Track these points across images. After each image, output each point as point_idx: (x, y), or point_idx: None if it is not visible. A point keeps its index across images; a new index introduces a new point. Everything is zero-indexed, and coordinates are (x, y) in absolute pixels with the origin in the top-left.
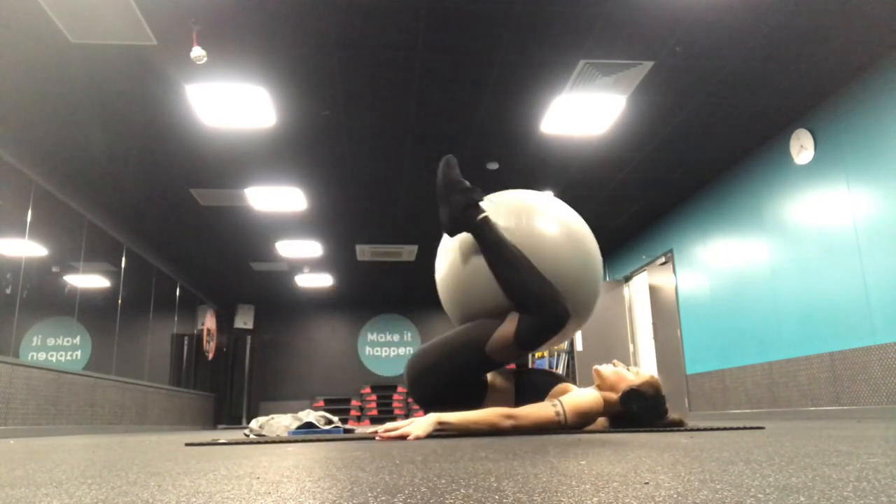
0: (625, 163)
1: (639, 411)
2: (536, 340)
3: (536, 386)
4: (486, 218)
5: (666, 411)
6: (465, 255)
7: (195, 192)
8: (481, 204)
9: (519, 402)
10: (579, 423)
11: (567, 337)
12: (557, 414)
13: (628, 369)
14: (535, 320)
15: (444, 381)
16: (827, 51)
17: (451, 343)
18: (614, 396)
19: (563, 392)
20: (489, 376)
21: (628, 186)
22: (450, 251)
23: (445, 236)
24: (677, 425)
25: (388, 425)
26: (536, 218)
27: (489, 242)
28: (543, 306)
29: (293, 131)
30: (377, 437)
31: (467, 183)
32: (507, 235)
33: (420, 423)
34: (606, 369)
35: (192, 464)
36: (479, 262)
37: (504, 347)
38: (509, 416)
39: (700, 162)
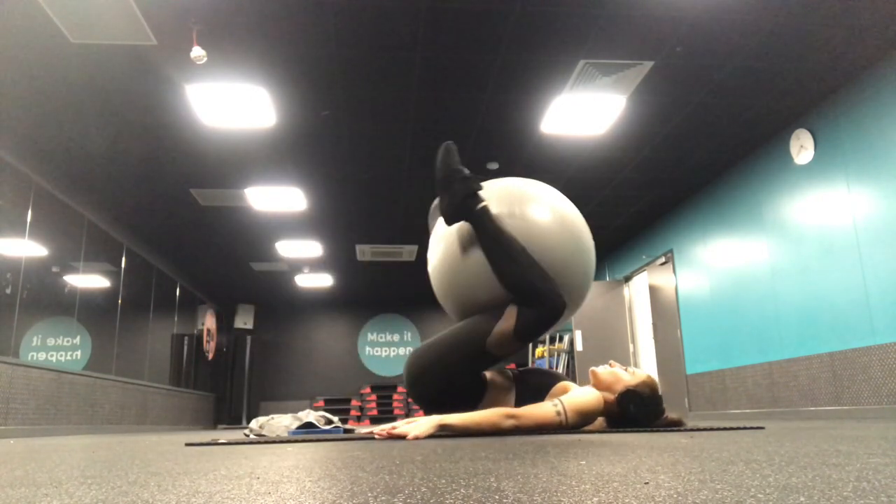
0: (625, 163)
1: (636, 411)
2: (535, 332)
3: (536, 385)
4: (485, 208)
5: (663, 411)
6: (462, 245)
7: (195, 192)
8: (480, 193)
9: (519, 402)
10: (580, 422)
11: (561, 325)
12: (558, 414)
13: (626, 370)
14: (534, 313)
15: (444, 378)
16: (827, 51)
17: (449, 340)
18: (611, 397)
19: (563, 391)
20: (489, 375)
21: (628, 186)
22: (444, 240)
23: (438, 225)
24: (676, 425)
25: (388, 426)
26: (530, 205)
27: (489, 233)
28: (541, 298)
29: (293, 131)
30: (376, 436)
31: (467, 171)
32: (501, 223)
33: (420, 424)
34: (603, 370)
35: (192, 464)
36: (476, 252)
37: (504, 341)
38: (511, 416)
39: (700, 162)
